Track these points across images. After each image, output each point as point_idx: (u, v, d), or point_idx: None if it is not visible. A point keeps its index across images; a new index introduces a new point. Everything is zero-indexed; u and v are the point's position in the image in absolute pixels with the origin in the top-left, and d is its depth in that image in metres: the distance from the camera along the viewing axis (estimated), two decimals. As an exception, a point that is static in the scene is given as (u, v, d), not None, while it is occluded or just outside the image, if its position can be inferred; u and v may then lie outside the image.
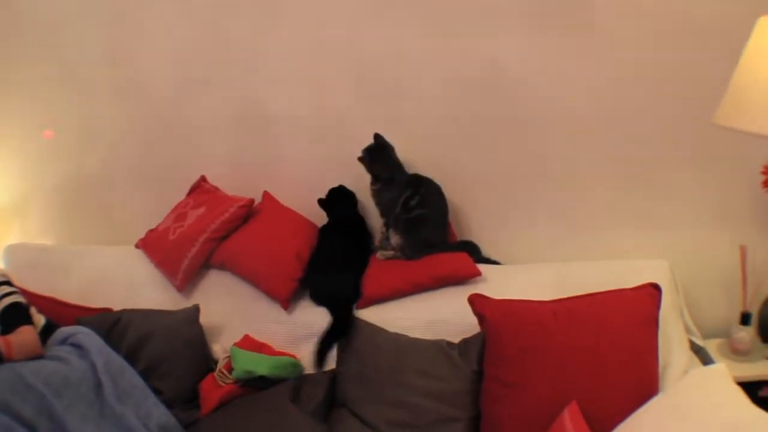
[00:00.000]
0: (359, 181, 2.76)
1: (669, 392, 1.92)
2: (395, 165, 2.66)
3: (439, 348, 2.26)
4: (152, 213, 3.01)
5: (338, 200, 2.81)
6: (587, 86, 2.56)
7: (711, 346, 2.48)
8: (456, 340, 2.29)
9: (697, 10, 2.40)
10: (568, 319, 2.10)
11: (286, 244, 2.69)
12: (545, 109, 2.62)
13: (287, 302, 2.61)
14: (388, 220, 2.68)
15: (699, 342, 2.41)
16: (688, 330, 2.41)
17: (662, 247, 2.59)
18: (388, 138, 2.66)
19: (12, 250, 3.06)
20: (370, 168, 2.65)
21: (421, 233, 2.62)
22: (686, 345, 2.30)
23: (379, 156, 2.64)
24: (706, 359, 2.32)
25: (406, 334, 2.38)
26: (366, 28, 2.70)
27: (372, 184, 2.68)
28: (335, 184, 2.84)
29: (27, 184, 3.31)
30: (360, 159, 2.64)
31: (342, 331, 2.46)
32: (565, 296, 2.22)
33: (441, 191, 2.67)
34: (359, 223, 2.81)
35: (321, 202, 2.80)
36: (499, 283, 2.48)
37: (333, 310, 2.53)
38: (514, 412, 2.05)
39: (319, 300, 2.60)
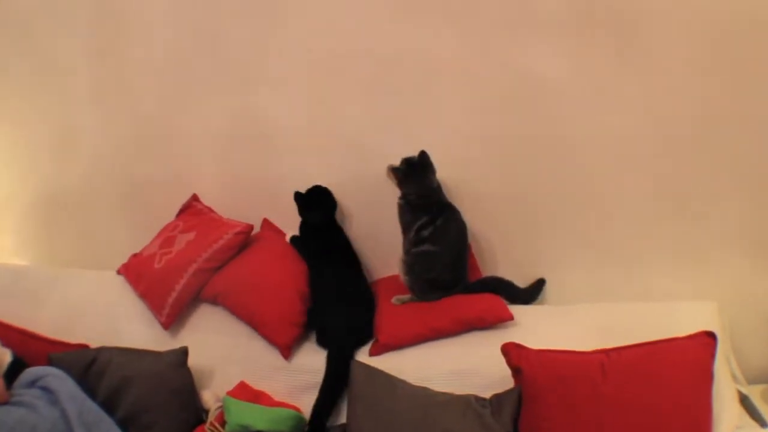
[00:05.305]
0: (374, 204, 2.64)
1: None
2: (429, 188, 2.48)
3: (468, 405, 2.09)
4: (138, 233, 2.91)
5: (316, 201, 2.66)
6: (633, 105, 2.41)
7: (754, 393, 2.32)
8: (483, 393, 2.15)
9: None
10: (618, 373, 2.00)
11: (288, 281, 2.53)
12: (583, 129, 2.48)
13: (288, 350, 2.45)
14: (404, 244, 2.54)
15: (743, 390, 2.27)
16: (733, 377, 2.28)
17: (704, 284, 2.46)
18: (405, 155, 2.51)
19: (-18, 272, 2.96)
20: (399, 183, 2.48)
21: (428, 273, 2.46)
22: (736, 396, 2.16)
23: (414, 174, 2.46)
24: (751, 409, 2.20)
25: (425, 386, 2.22)
26: (385, 30, 2.56)
27: (399, 198, 2.55)
28: (346, 206, 2.71)
29: (0, 196, 3.24)
30: (392, 169, 2.48)
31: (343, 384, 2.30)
32: (611, 343, 2.10)
33: (463, 228, 2.50)
34: (341, 236, 2.66)
35: (298, 196, 2.64)
36: (534, 327, 2.34)
37: (335, 357, 2.36)
38: (555, 481, 1.92)
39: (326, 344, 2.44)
